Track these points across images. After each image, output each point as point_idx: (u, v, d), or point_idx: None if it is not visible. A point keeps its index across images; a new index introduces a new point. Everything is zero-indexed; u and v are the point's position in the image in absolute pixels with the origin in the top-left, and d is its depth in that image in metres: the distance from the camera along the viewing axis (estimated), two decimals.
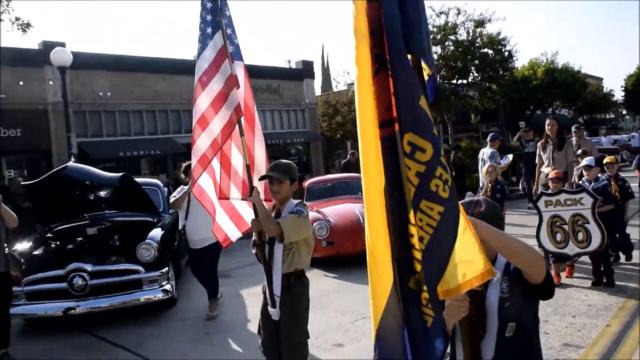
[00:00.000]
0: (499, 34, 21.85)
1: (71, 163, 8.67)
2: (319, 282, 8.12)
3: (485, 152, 11.40)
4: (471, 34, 21.42)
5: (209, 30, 4.03)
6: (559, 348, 4.98)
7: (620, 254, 7.82)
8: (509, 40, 22.04)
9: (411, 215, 1.83)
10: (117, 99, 18.19)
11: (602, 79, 50.13)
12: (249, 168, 3.94)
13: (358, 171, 11.61)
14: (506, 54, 22.43)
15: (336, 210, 9.46)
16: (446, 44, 21.01)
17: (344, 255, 8.77)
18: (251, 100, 4.18)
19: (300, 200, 4.05)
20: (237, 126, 3.92)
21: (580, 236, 6.54)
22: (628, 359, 4.61)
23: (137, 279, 6.65)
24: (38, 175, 13.38)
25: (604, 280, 6.72)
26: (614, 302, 6.09)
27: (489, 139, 11.77)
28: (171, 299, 7.05)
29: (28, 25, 11.76)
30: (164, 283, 6.81)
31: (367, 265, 1.95)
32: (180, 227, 7.08)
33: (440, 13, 20.92)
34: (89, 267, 6.50)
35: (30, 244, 7.26)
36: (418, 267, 1.84)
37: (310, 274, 8.14)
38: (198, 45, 4.04)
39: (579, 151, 8.75)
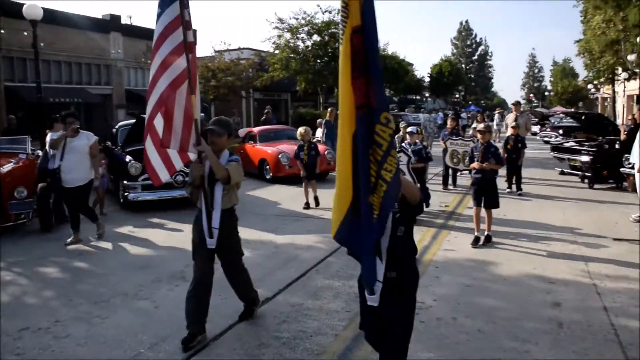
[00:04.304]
0: None
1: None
2: (288, 189, 12.85)
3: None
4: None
5: None
6: None
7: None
8: None
9: (373, 160, 2.78)
10: (40, 48, 19.99)
11: (412, 64, 59.56)
12: (196, 122, 4.37)
13: (271, 124, 16.36)
14: None
15: (289, 148, 14.14)
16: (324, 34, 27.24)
17: (297, 175, 13.58)
18: (194, 66, 4.46)
19: (232, 151, 4.58)
20: (186, 85, 4.33)
21: None
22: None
23: None
24: None
25: None
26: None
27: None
28: None
29: None
30: None
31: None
32: (55, 166, 7.76)
33: (325, 11, 26.94)
34: (187, 169, 10.24)
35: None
36: (384, 187, 2.78)
37: (278, 187, 12.92)
38: (157, 10, 4.29)
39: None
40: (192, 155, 4.49)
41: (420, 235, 7.88)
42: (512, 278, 5.98)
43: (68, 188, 7.72)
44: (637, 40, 19.69)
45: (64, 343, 4.45)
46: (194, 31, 23.99)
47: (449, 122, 13.61)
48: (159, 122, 4.36)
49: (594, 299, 5.27)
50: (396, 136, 13.57)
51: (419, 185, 8.91)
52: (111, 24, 23.38)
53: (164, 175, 4.63)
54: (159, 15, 4.28)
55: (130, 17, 24.81)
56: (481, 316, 4.87)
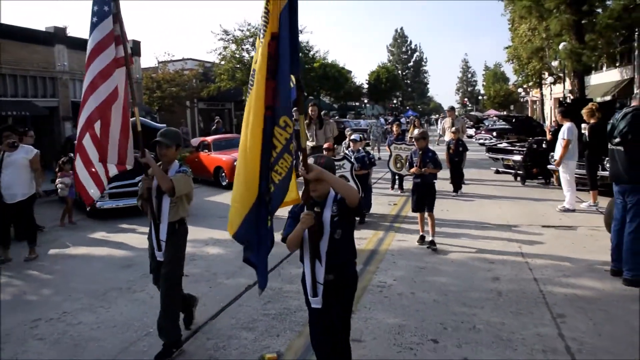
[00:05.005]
0: (307, 42, 29.45)
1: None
2: None
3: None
4: None
5: (105, 8, 4.24)
6: None
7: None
8: (312, 47, 29.89)
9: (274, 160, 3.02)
10: None
11: (351, 72, 61.17)
12: (140, 134, 4.36)
13: (220, 133, 17.59)
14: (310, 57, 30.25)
15: None
16: None
17: None
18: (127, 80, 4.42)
19: (182, 162, 4.49)
20: (122, 100, 4.33)
21: None
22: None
23: None
24: None
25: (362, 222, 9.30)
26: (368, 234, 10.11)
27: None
28: None
29: None
30: None
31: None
32: None
33: None
34: None
35: None
36: (271, 189, 3.06)
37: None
38: (92, 19, 4.24)
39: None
40: (112, 172, 4.58)
41: (374, 230, 8.78)
42: (459, 261, 6.93)
43: (9, 204, 7.55)
44: (559, 47, 21.41)
45: (78, 328, 5.04)
46: (138, 42, 24.26)
47: (394, 127, 14.34)
48: (88, 142, 4.35)
49: (526, 273, 6.28)
50: (343, 142, 14.45)
51: (363, 194, 9.67)
52: (56, 36, 23.26)
53: (95, 193, 4.60)
54: (93, 26, 4.24)
55: (66, 28, 24.57)
56: (435, 290, 5.77)
